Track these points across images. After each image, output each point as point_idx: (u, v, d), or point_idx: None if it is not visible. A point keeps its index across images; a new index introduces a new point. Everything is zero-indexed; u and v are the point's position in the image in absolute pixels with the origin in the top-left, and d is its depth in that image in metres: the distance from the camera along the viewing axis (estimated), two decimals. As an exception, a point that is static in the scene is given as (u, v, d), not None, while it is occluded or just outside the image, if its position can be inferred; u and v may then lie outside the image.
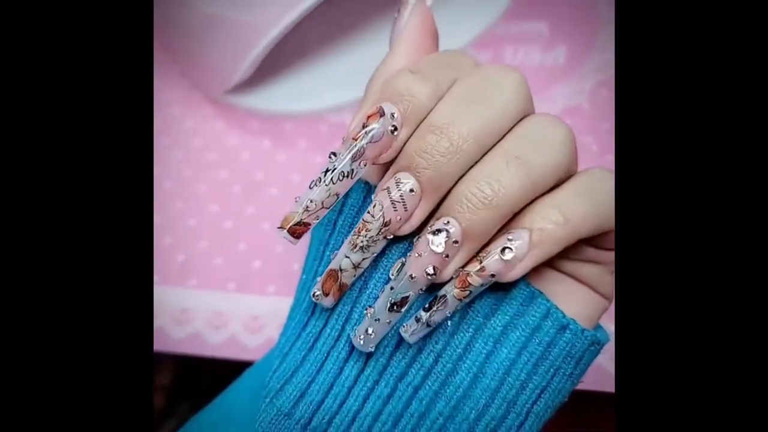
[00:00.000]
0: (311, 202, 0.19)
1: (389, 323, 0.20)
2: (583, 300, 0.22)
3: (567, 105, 0.38)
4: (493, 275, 0.19)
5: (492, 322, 0.21)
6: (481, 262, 0.19)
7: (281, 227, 0.20)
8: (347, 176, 0.19)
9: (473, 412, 0.21)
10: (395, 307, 0.20)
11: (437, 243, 0.19)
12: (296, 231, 0.20)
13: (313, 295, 0.21)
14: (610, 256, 0.22)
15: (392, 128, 0.19)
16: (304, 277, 0.24)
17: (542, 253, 0.19)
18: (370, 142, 0.19)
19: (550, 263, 0.21)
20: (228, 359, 0.33)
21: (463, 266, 0.20)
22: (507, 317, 0.21)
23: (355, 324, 0.21)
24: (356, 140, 0.19)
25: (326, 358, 0.22)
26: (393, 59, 0.22)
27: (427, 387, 0.21)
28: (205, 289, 0.35)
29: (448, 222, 0.19)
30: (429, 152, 0.19)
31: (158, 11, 0.36)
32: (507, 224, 0.20)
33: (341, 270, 0.20)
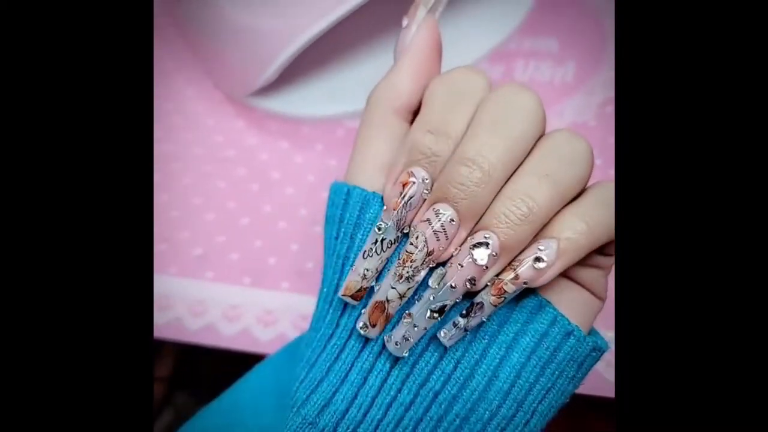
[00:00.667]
0: (367, 270, 0.22)
1: (425, 329, 0.21)
2: (583, 302, 0.24)
3: (574, 120, 0.40)
4: (525, 282, 0.21)
5: (505, 329, 0.23)
6: (515, 270, 0.21)
7: (343, 294, 0.22)
8: (394, 242, 0.22)
9: (487, 412, 0.22)
10: (434, 314, 0.21)
11: (480, 256, 0.20)
12: (358, 296, 0.22)
13: (360, 327, 0.22)
14: (610, 261, 0.24)
15: (426, 191, 0.21)
16: (325, 290, 0.25)
17: (568, 260, 0.21)
18: (410, 209, 0.21)
19: None
20: (240, 351, 0.35)
21: (498, 275, 0.21)
22: (518, 325, 0.22)
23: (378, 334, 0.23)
24: (396, 210, 0.21)
25: (350, 369, 0.23)
26: (397, 76, 0.24)
27: (446, 391, 0.22)
28: (221, 283, 0.36)
29: (488, 236, 0.20)
30: (464, 183, 0.20)
31: (186, 14, 0.37)
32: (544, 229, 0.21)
33: (388, 301, 0.22)
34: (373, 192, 0.23)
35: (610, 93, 0.41)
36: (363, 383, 0.23)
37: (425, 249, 0.21)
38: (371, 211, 0.23)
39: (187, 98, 0.42)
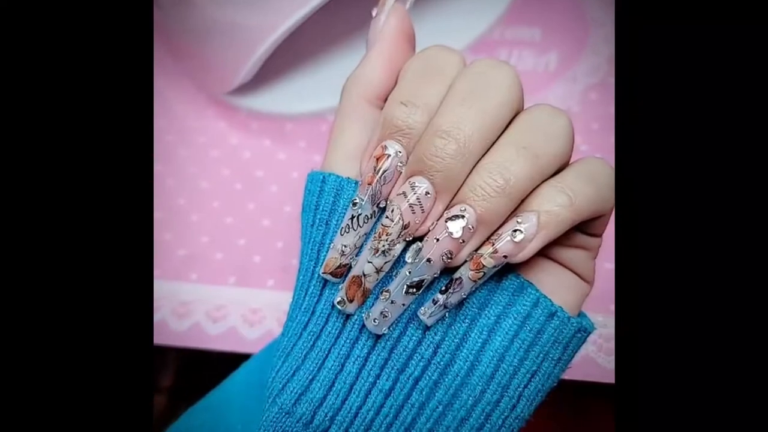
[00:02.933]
0: (345, 246, 0.22)
1: (404, 305, 0.21)
2: (569, 285, 0.23)
3: (558, 107, 0.39)
4: (505, 256, 0.20)
5: (486, 312, 0.22)
6: (493, 245, 0.20)
7: (324, 272, 0.22)
8: (371, 217, 0.21)
9: (470, 398, 0.22)
10: (411, 290, 0.21)
11: (455, 229, 0.20)
12: (338, 273, 0.22)
13: (337, 302, 0.22)
14: (597, 242, 0.23)
15: (400, 164, 0.21)
16: (301, 278, 0.24)
17: (549, 234, 0.20)
18: (384, 183, 0.21)
19: (544, 250, 0.22)
20: (226, 352, 0.34)
21: (477, 249, 0.21)
22: (500, 307, 0.22)
23: (356, 320, 0.22)
24: (371, 184, 0.21)
25: (327, 356, 0.22)
26: (367, 65, 0.23)
27: (427, 377, 0.22)
28: (205, 283, 0.36)
29: (464, 209, 0.20)
30: (439, 155, 0.20)
31: (163, 12, 0.37)
32: (516, 207, 0.21)
33: (365, 275, 0.21)
34: (348, 178, 0.23)
35: (593, 80, 0.40)
36: (341, 370, 0.22)
37: (401, 222, 0.20)
38: (345, 196, 0.23)
39: (168, 100, 0.41)
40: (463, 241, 0.20)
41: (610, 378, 0.31)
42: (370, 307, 0.22)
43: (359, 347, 0.22)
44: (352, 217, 0.21)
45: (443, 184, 0.20)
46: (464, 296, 0.21)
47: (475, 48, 0.42)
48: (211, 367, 0.34)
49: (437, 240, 0.20)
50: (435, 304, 0.21)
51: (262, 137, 0.40)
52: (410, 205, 0.20)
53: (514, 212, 0.21)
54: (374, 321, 0.21)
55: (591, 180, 0.21)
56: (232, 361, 0.30)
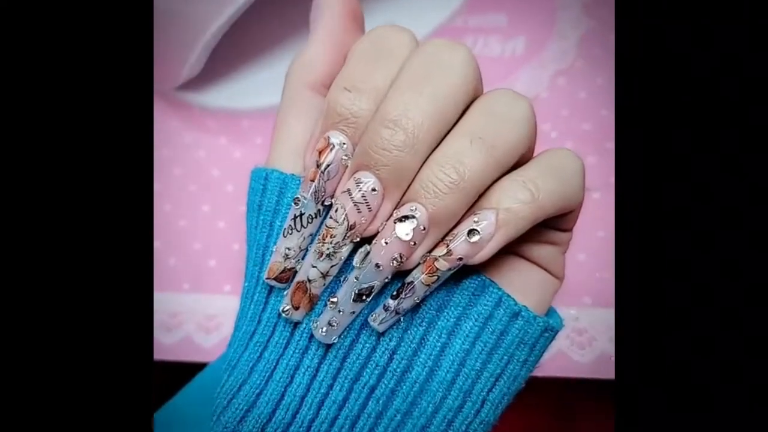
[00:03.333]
0: (288, 249, 0.20)
1: (353, 313, 0.19)
2: (538, 282, 0.22)
3: (526, 93, 0.38)
4: (460, 258, 0.18)
5: (444, 314, 0.20)
6: (448, 246, 0.18)
7: (268, 278, 0.20)
8: (316, 216, 0.20)
9: (430, 405, 0.20)
10: (361, 297, 0.19)
11: (405, 231, 0.18)
12: (283, 278, 0.20)
13: (283, 310, 0.20)
14: (567, 237, 0.22)
15: (345, 157, 0.19)
16: (246, 284, 0.22)
17: (509, 234, 0.19)
18: (328, 179, 0.19)
19: (508, 246, 0.20)
20: (183, 362, 0.32)
21: (430, 251, 0.19)
22: (459, 309, 0.20)
23: (305, 328, 0.20)
24: (314, 180, 0.19)
25: (275, 368, 0.20)
26: (311, 49, 0.21)
27: (383, 386, 0.20)
28: (157, 291, 0.34)
29: (414, 208, 0.18)
30: (386, 148, 0.18)
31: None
32: (472, 204, 0.19)
33: (309, 281, 0.19)
34: (292, 174, 0.21)
35: (562, 65, 0.39)
36: (290, 382, 0.20)
37: (345, 223, 0.18)
38: (290, 194, 0.21)
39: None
40: (415, 243, 0.18)
41: (584, 373, 0.29)
42: (318, 316, 0.20)
43: (309, 357, 0.20)
44: (295, 217, 0.19)
45: (391, 179, 0.18)
46: (417, 301, 0.19)
47: (438, 35, 0.40)
48: (168, 377, 0.33)
49: (386, 243, 0.18)
50: (386, 311, 0.19)
51: (218, 135, 0.38)
52: (355, 204, 0.18)
53: (470, 209, 0.19)
54: (322, 331, 0.19)
55: (556, 173, 0.19)
56: (188, 370, 0.28)
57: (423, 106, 0.18)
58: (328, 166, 0.19)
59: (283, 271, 0.20)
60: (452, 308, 0.20)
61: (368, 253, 0.19)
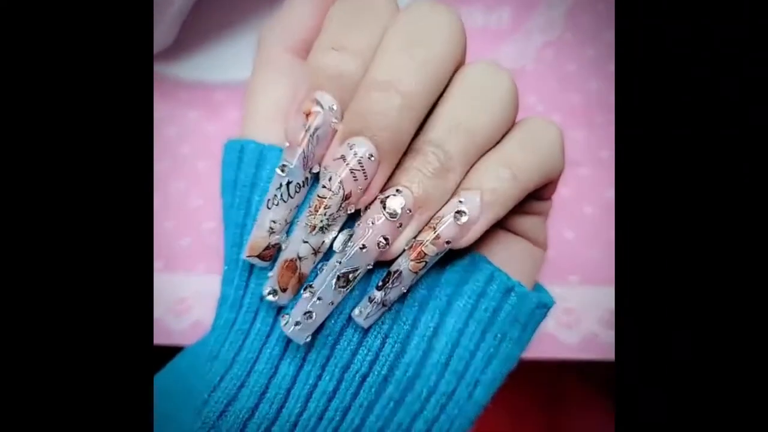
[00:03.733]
0: (273, 222, 0.18)
1: (332, 304, 0.18)
2: (524, 253, 0.21)
3: (512, 65, 0.36)
4: (448, 242, 0.18)
5: (436, 293, 0.19)
6: (435, 230, 0.18)
7: (249, 255, 0.18)
8: (303, 185, 0.18)
9: (424, 390, 0.19)
10: (342, 283, 0.18)
11: (398, 204, 0.17)
12: (267, 255, 0.18)
13: (267, 294, 0.18)
14: (548, 205, 0.21)
15: (335, 120, 0.18)
16: (225, 268, 0.21)
17: (496, 213, 0.18)
18: (317, 143, 0.17)
19: None
20: (157, 345, 0.31)
21: (416, 237, 0.18)
22: (451, 287, 0.19)
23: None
24: (301, 146, 0.18)
25: (257, 358, 0.19)
26: (290, 10, 0.20)
27: (375, 373, 0.19)
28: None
29: (399, 190, 0.17)
30: (382, 111, 0.17)
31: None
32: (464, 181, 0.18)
33: (300, 258, 0.18)
34: (270, 145, 0.19)
35: (549, 36, 0.37)
36: (274, 373, 0.19)
37: (341, 192, 0.17)
38: (268, 167, 0.19)
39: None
40: (401, 225, 0.17)
41: (570, 354, 0.28)
42: (290, 309, 0.18)
43: (295, 345, 0.19)
44: (280, 186, 0.18)
45: (387, 145, 0.17)
46: (404, 290, 0.18)
47: (421, 5, 0.39)
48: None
49: (372, 223, 0.17)
50: (371, 303, 0.18)
51: (189, 109, 0.36)
52: (351, 171, 0.17)
53: (455, 192, 0.18)
54: (296, 324, 0.18)
55: (535, 146, 0.19)
56: (160, 354, 0.27)
57: (415, 70, 0.17)
58: (317, 129, 0.17)
59: (267, 248, 0.18)
60: (444, 286, 0.19)
61: (350, 235, 0.17)
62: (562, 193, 0.32)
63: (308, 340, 0.18)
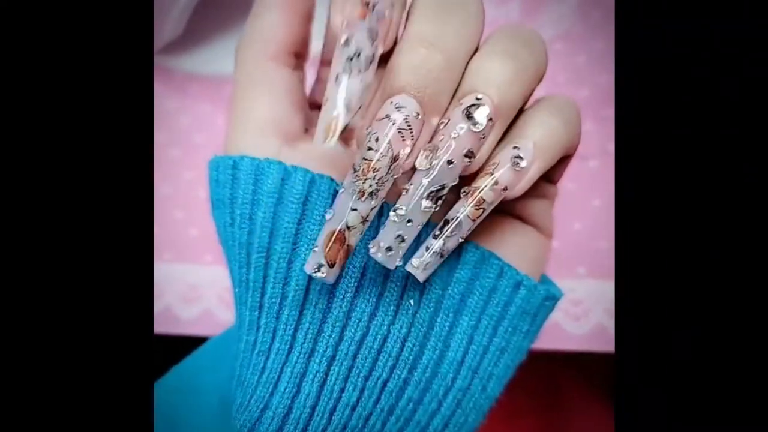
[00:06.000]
0: (349, 99, 0.16)
1: (419, 226, 0.17)
2: (531, 244, 0.21)
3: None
4: (505, 188, 0.17)
5: (449, 292, 0.19)
6: (492, 175, 0.17)
7: (326, 140, 0.16)
8: (372, 61, 0.17)
9: (441, 388, 0.19)
10: (431, 202, 0.17)
11: (484, 114, 0.16)
12: (347, 138, 0.17)
13: (312, 270, 0.17)
14: (555, 190, 0.21)
15: (390, 7, 0.17)
16: (236, 290, 0.20)
17: (546, 161, 0.18)
18: (379, 19, 0.16)
19: (503, 205, 0.19)
20: (161, 334, 0.31)
21: (473, 183, 0.18)
22: (462, 284, 0.19)
23: (308, 328, 0.19)
24: (365, 18, 0.16)
25: (279, 378, 0.19)
26: (265, 15, 0.19)
27: (396, 377, 0.19)
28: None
29: (480, 97, 0.16)
30: (428, 68, 0.16)
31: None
32: (505, 136, 0.18)
33: (348, 228, 0.17)
34: (267, 159, 0.19)
35: (558, 30, 0.37)
36: (297, 392, 0.18)
37: (390, 153, 0.16)
38: (269, 181, 0.18)
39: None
40: (484, 137, 0.17)
41: (578, 345, 0.28)
42: (377, 237, 0.17)
43: (316, 360, 0.18)
44: (351, 58, 0.16)
45: (432, 102, 0.16)
46: (462, 239, 0.18)
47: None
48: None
49: (457, 136, 0.16)
50: (428, 251, 0.17)
51: (201, 101, 0.36)
52: (399, 130, 0.16)
53: (505, 140, 0.18)
54: (388, 250, 0.17)
55: (562, 115, 0.18)
56: (170, 343, 0.27)
57: (455, 30, 0.17)
58: (375, 3, 0.16)
59: (344, 130, 0.16)
60: (456, 284, 0.19)
61: (434, 151, 0.17)
62: (570, 185, 0.32)
63: (400, 263, 0.17)
